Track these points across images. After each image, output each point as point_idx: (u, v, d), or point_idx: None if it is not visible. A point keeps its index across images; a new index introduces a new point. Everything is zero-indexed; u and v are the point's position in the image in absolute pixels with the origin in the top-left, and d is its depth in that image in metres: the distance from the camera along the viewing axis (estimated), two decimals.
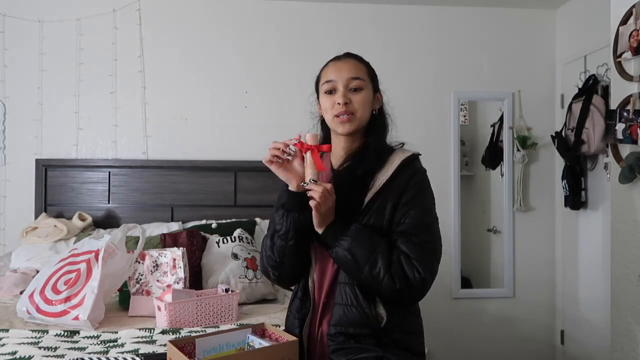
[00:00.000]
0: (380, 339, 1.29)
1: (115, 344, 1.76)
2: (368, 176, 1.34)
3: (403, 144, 1.45)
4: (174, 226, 2.99)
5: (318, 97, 1.46)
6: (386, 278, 1.24)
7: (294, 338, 1.30)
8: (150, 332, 1.87)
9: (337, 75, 1.38)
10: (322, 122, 1.48)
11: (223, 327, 1.90)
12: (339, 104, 1.35)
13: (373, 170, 1.35)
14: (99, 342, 1.78)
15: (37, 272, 2.59)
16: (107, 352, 1.66)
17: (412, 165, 1.37)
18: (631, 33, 2.11)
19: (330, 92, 1.38)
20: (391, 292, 1.26)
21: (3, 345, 1.71)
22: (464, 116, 3.59)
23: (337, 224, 1.30)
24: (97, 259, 2.03)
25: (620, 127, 2.15)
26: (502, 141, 3.49)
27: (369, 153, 1.38)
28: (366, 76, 1.40)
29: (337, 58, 1.43)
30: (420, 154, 1.42)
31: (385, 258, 1.25)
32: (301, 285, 1.44)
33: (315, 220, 1.30)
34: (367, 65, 1.44)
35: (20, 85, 3.17)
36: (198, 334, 1.70)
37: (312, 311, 1.38)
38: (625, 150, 2.16)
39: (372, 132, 1.41)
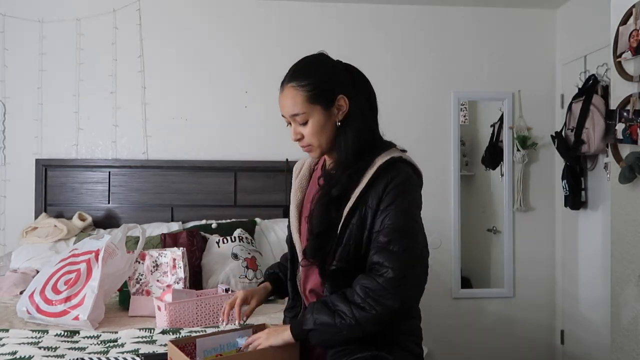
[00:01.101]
0: (375, 339, 1.28)
1: (115, 344, 1.76)
2: (345, 195, 1.29)
3: (393, 145, 1.36)
4: (174, 226, 2.99)
5: None
6: (358, 314, 1.19)
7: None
8: (150, 332, 1.87)
9: (283, 112, 1.35)
10: None
11: (223, 327, 1.90)
12: (293, 139, 1.36)
13: (349, 188, 1.29)
14: (99, 342, 1.78)
15: (37, 272, 2.59)
16: (107, 352, 1.66)
17: (393, 167, 1.28)
18: (631, 33, 2.11)
19: (289, 124, 1.37)
20: (375, 320, 1.20)
21: (3, 345, 1.71)
22: (464, 116, 3.59)
23: (293, 322, 1.32)
24: (97, 259, 2.03)
25: (620, 127, 2.15)
26: (502, 141, 3.49)
27: (341, 170, 1.32)
28: (305, 104, 1.29)
29: (281, 87, 1.35)
30: (403, 155, 1.33)
31: (343, 301, 1.22)
32: (290, 285, 1.46)
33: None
34: (306, 87, 1.30)
35: (20, 85, 3.17)
36: (198, 334, 1.70)
37: (303, 309, 1.40)
38: (625, 150, 2.16)
39: (337, 147, 1.33)
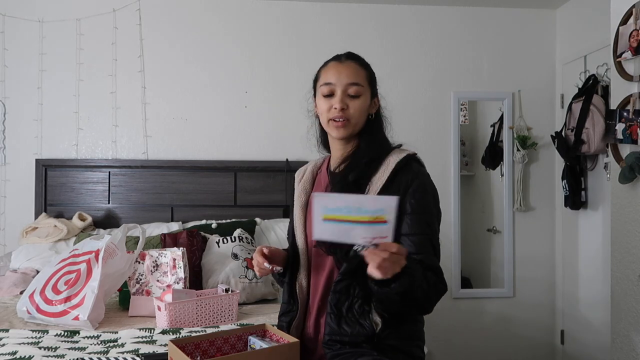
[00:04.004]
0: (376, 344, 1.28)
1: (115, 344, 1.76)
2: (363, 181, 1.32)
3: (400, 145, 1.42)
4: (174, 226, 2.99)
5: (315, 96, 1.44)
6: (426, 304, 1.26)
7: (295, 339, 1.29)
8: (151, 332, 1.87)
9: (336, 79, 1.35)
10: (319, 121, 1.45)
11: (223, 327, 1.90)
12: (335, 108, 1.34)
13: (366, 175, 1.33)
14: (99, 342, 1.78)
15: (37, 272, 2.59)
16: (107, 352, 1.66)
17: (410, 167, 1.34)
18: (631, 33, 2.11)
19: (328, 95, 1.36)
20: (423, 310, 1.28)
21: (3, 345, 1.71)
22: (464, 116, 3.59)
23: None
24: (97, 259, 2.03)
25: (620, 127, 2.15)
26: (502, 141, 3.49)
27: (360, 157, 1.36)
28: (365, 82, 1.38)
29: (338, 59, 1.40)
30: (417, 153, 1.39)
31: (424, 290, 1.20)
32: (287, 290, 1.43)
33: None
34: (367, 69, 1.41)
35: (20, 85, 3.17)
36: (198, 334, 1.70)
37: (306, 313, 1.39)
38: (625, 150, 2.16)
39: (367, 135, 1.39)
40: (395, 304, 1.21)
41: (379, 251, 1.07)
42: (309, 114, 1.51)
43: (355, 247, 1.10)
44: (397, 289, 1.13)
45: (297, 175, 1.54)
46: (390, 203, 1.08)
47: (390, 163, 1.32)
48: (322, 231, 1.12)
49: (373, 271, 1.07)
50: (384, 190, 1.29)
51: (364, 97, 1.36)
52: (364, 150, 1.37)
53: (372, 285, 1.17)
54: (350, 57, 1.40)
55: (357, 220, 1.08)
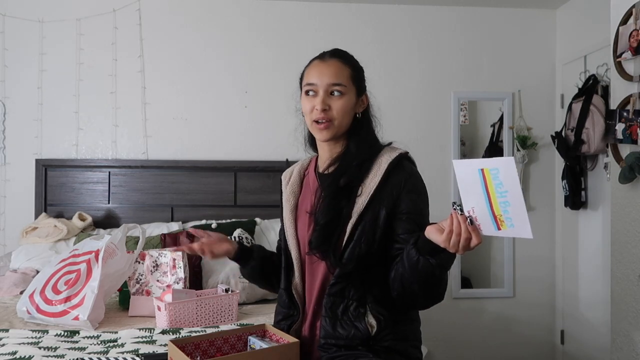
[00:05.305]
0: (372, 346, 1.27)
1: (115, 344, 1.76)
2: (354, 184, 1.31)
3: (391, 142, 1.40)
4: (174, 226, 2.99)
5: (301, 95, 1.41)
6: (441, 292, 1.30)
7: (295, 339, 1.29)
8: (150, 332, 1.87)
9: (318, 79, 1.32)
10: None
11: (223, 327, 1.90)
12: (317, 109, 1.31)
13: (358, 178, 1.31)
14: (99, 342, 1.78)
15: (37, 272, 2.59)
16: (107, 352, 1.66)
17: (402, 167, 1.32)
18: (631, 33, 2.11)
19: (311, 93, 1.34)
20: (432, 299, 1.30)
21: (3, 345, 1.71)
22: (464, 116, 3.58)
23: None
24: (97, 259, 2.03)
25: (620, 127, 2.15)
26: (502, 141, 3.49)
27: (350, 159, 1.33)
28: (349, 80, 1.34)
29: (321, 57, 1.37)
30: (408, 152, 1.37)
31: (445, 281, 1.30)
32: (285, 297, 1.42)
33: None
34: (352, 66, 1.37)
35: (20, 85, 3.17)
36: (198, 334, 1.70)
37: (302, 317, 1.38)
38: (625, 150, 2.16)
39: (355, 136, 1.36)
40: (427, 277, 1.18)
41: (465, 229, 1.05)
42: (297, 113, 1.49)
43: (457, 202, 1.06)
44: (442, 260, 1.13)
45: (284, 177, 1.51)
46: (523, 234, 1.03)
47: (382, 163, 1.31)
48: (465, 165, 1.02)
49: (443, 237, 1.06)
50: (378, 192, 1.28)
51: (348, 96, 1.33)
52: (354, 153, 1.34)
53: (423, 245, 1.15)
54: (335, 55, 1.37)
55: (491, 198, 1.02)
